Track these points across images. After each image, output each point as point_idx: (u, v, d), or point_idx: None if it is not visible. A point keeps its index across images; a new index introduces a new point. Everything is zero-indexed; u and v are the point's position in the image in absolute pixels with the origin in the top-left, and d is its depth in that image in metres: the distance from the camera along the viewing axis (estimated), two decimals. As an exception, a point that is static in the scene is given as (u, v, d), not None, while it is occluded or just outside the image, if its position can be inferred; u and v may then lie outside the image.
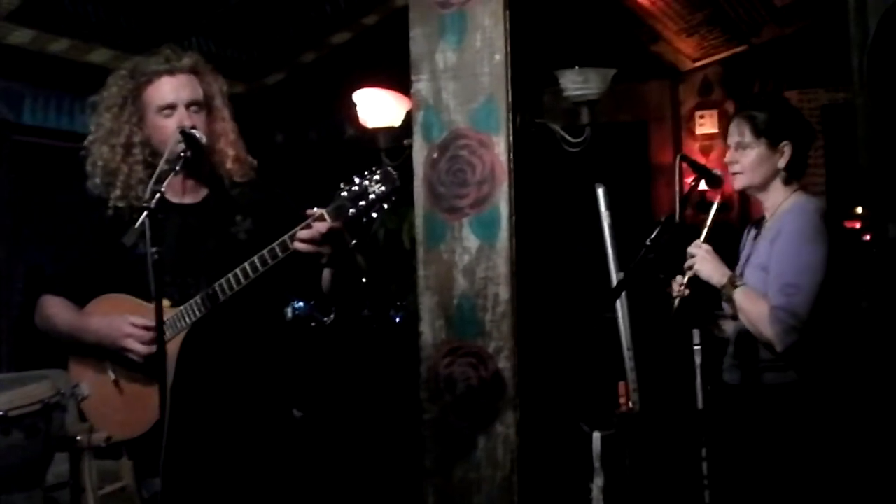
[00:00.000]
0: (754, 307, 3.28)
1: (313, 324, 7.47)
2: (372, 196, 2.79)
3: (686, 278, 3.41)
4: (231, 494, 3.12)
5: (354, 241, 2.99)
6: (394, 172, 2.81)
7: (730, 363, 3.48)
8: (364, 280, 3.24)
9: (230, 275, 2.97)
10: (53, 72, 6.21)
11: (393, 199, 2.80)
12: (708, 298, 3.43)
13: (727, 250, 3.62)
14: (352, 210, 2.80)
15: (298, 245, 2.86)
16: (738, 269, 3.51)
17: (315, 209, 2.86)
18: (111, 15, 5.99)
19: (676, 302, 3.39)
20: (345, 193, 2.81)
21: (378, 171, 2.80)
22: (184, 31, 6.14)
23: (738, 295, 3.31)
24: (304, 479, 3.45)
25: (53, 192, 6.14)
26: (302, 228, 2.85)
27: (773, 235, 3.39)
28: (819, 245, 3.28)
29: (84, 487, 4.68)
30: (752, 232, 3.61)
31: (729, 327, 3.53)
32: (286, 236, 2.89)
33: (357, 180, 2.81)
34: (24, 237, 6.27)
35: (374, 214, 2.81)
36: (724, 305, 3.46)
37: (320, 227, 2.83)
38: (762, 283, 3.34)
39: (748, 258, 3.49)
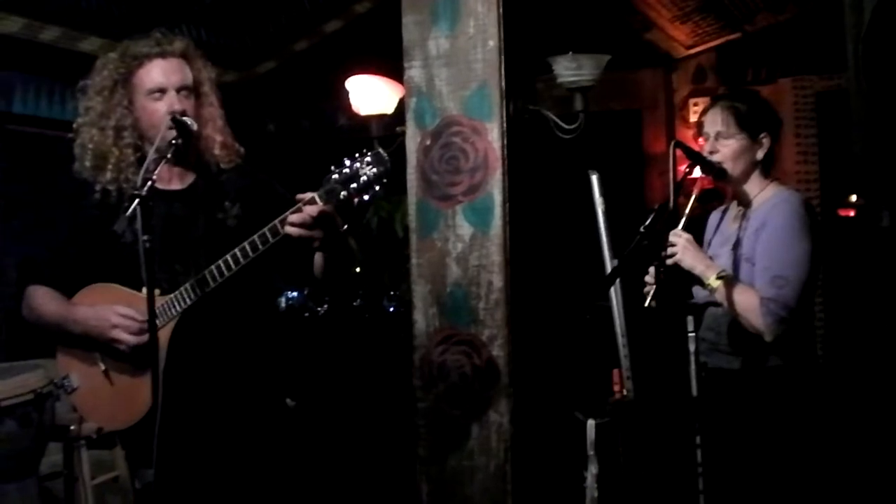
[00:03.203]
0: (742, 298, 3.30)
1: (307, 314, 7.46)
2: (363, 178, 2.76)
3: (664, 266, 3.40)
4: (223, 484, 3.11)
5: (346, 225, 2.98)
6: (385, 154, 2.78)
7: (706, 347, 3.49)
8: (357, 266, 3.22)
9: (220, 261, 2.96)
10: (45, 60, 6.18)
11: (385, 181, 2.78)
12: (681, 285, 3.44)
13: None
14: (343, 193, 2.78)
15: (289, 229, 2.84)
16: (712, 253, 3.54)
17: (306, 193, 2.84)
18: (103, 3, 5.95)
19: (651, 291, 3.40)
20: (336, 176, 2.79)
21: (369, 154, 2.78)
22: (175, 19, 6.11)
23: (725, 286, 3.32)
24: (298, 468, 3.43)
25: (45, 181, 6.11)
26: (293, 212, 2.83)
27: (757, 226, 3.41)
28: (806, 237, 3.33)
29: (77, 477, 4.67)
30: (732, 213, 3.62)
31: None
32: (277, 221, 2.87)
33: (348, 163, 2.78)
34: (16, 227, 6.25)
35: (366, 197, 2.79)
36: (698, 292, 3.47)
37: (311, 211, 2.81)
38: (748, 275, 3.36)
39: (735, 246, 3.49)
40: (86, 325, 3.07)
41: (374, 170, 2.76)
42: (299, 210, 2.82)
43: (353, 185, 2.77)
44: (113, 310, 3.02)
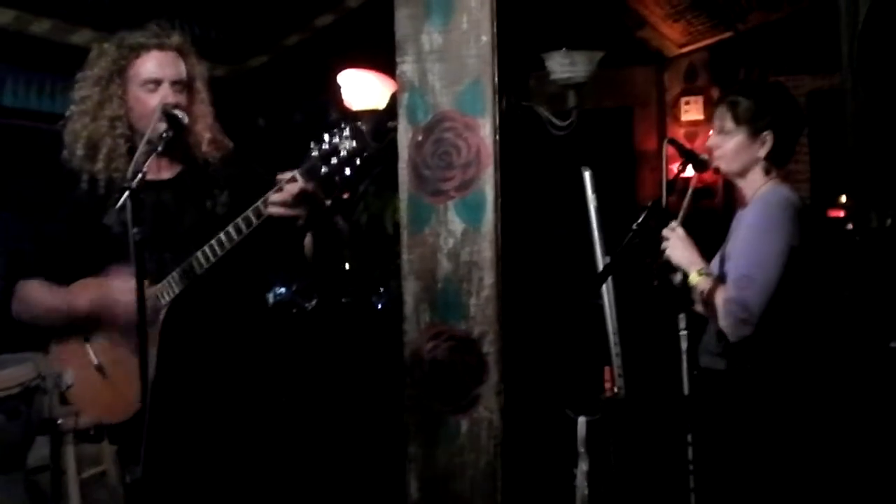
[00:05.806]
0: (713, 298, 3.27)
1: (294, 310, 7.44)
2: (343, 153, 2.73)
3: (658, 261, 3.39)
4: (213, 480, 3.10)
5: (330, 202, 2.95)
6: (363, 127, 2.75)
7: (705, 346, 3.47)
8: (345, 244, 3.17)
9: (205, 246, 2.93)
10: (36, 53, 6.15)
11: (364, 154, 2.74)
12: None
13: (709, 237, 3.61)
14: (324, 169, 2.75)
15: (272, 209, 2.82)
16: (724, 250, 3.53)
17: (286, 172, 2.82)
18: (94, -5, 5.95)
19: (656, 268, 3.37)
20: (315, 153, 2.76)
21: (347, 128, 2.75)
22: (167, 13, 6.08)
23: (701, 284, 3.30)
24: (287, 464, 3.42)
25: (35, 175, 6.09)
26: (274, 192, 2.81)
27: (737, 226, 3.39)
28: (776, 237, 3.22)
29: (65, 471, 4.65)
30: (739, 211, 3.62)
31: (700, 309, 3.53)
32: (259, 202, 2.85)
33: (327, 138, 2.76)
34: (4, 221, 6.22)
35: (347, 172, 2.76)
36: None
37: (292, 189, 2.79)
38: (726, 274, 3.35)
39: (726, 243, 3.49)
40: (90, 300, 3.03)
41: (354, 143, 2.72)
42: (280, 189, 2.81)
43: (334, 160, 2.74)
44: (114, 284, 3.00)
